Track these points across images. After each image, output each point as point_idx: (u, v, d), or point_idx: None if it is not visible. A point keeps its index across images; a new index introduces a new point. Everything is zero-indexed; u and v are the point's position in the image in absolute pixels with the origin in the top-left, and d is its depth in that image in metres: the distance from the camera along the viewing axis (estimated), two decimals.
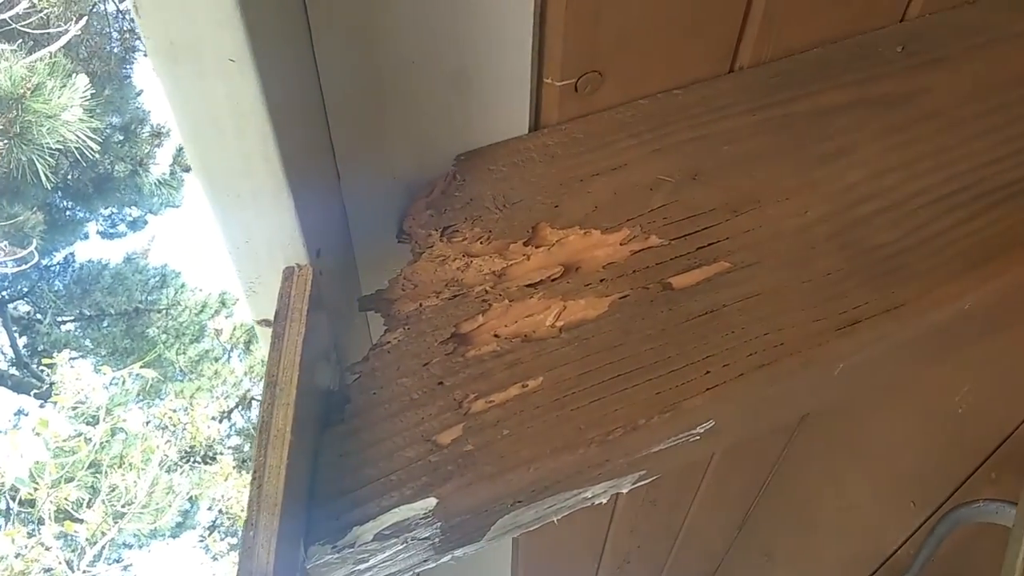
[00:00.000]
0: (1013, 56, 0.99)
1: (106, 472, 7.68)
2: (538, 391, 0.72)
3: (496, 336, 0.76)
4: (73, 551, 7.69)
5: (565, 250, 0.82)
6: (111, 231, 11.34)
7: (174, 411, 8.99)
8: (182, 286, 11.51)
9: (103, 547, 7.80)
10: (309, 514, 0.65)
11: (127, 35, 9.06)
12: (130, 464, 7.89)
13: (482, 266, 0.81)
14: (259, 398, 0.66)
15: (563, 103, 0.88)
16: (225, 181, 0.67)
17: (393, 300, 0.80)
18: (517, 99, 0.85)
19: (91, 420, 7.69)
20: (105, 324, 10.91)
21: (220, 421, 10.18)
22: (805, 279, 0.78)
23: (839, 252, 0.80)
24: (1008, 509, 1.25)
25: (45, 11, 7.73)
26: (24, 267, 9.08)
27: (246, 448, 10.08)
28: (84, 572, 7.63)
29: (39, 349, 10.43)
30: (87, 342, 10.83)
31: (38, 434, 6.70)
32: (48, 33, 7.68)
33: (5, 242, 8.79)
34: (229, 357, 11.28)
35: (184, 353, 10.78)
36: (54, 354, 8.47)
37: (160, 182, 9.88)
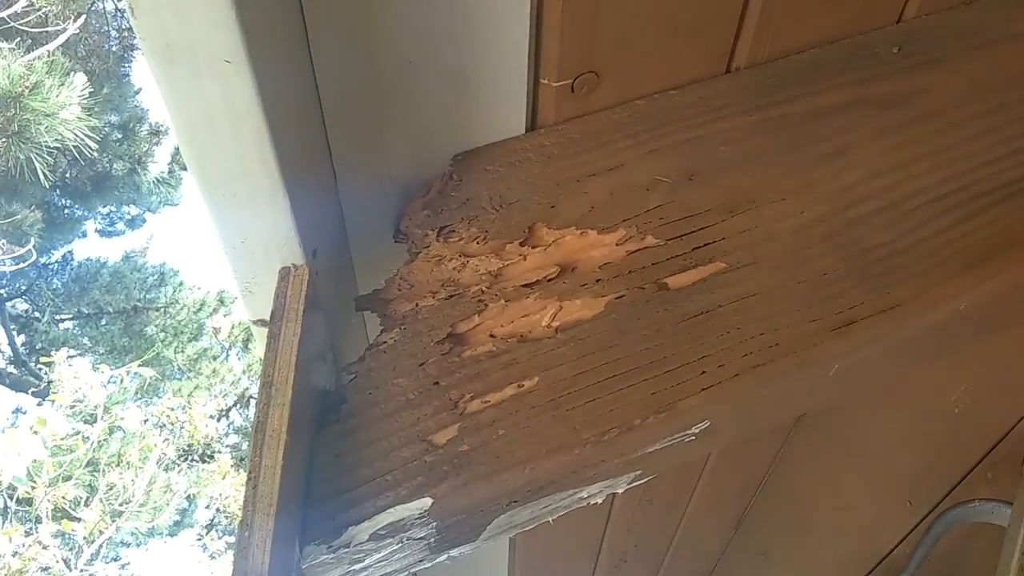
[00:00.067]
0: (1010, 57, 0.99)
1: (104, 470, 7.67)
2: (534, 391, 0.72)
3: (492, 336, 0.76)
4: (71, 549, 7.68)
5: (561, 250, 0.82)
6: (109, 229, 11.32)
7: (172, 409, 8.99)
8: (180, 284, 11.50)
9: (101, 545, 7.80)
10: (305, 514, 0.65)
11: (125, 33, 9.05)
12: (128, 462, 7.88)
13: (478, 266, 0.81)
14: (257, 396, 0.66)
15: (560, 103, 0.88)
16: (221, 181, 0.67)
17: (389, 300, 0.80)
18: (514, 99, 0.85)
19: (89, 418, 7.68)
20: (103, 322, 10.90)
21: (218, 419, 10.17)
22: (801, 279, 0.78)
23: (835, 252, 0.80)
24: (1004, 509, 1.25)
25: (43, 9, 7.71)
26: (22, 265, 9.07)
27: (244, 446, 10.07)
28: (82, 571, 7.63)
29: (37, 347, 10.42)
30: (85, 340, 10.82)
31: (36, 432, 6.70)
32: (46, 31, 7.67)
33: (3, 240, 8.78)
34: (227, 355, 11.27)
35: (182, 351, 10.77)
36: (52, 352, 8.46)
37: (158, 180, 9.87)
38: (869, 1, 0.98)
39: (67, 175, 9.31)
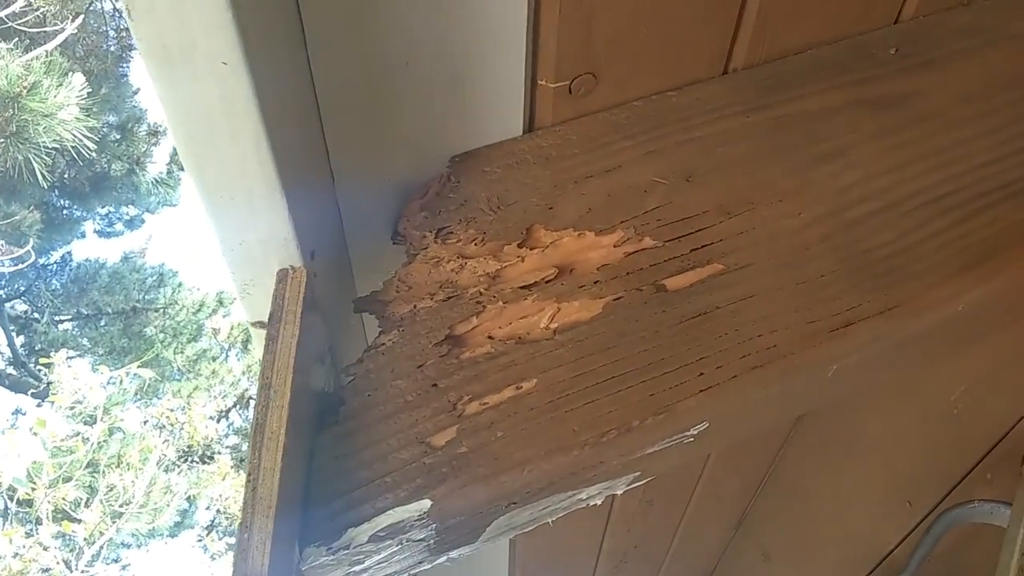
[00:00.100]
0: (1007, 58, 0.99)
1: (104, 472, 7.67)
2: (532, 393, 0.72)
3: (490, 338, 0.76)
4: (71, 551, 7.68)
5: (559, 252, 0.82)
6: (108, 230, 11.32)
7: (172, 410, 8.99)
8: (179, 285, 11.49)
9: (101, 547, 7.80)
10: (304, 516, 0.65)
11: (124, 33, 9.04)
12: (128, 464, 7.89)
13: (476, 268, 0.81)
14: (256, 397, 0.66)
15: (557, 105, 0.88)
16: (219, 183, 0.67)
17: (387, 302, 0.80)
18: (511, 101, 0.85)
19: (89, 420, 7.68)
20: (102, 323, 10.90)
21: (218, 420, 10.17)
22: (799, 281, 0.78)
23: (833, 254, 0.80)
24: (1003, 510, 1.25)
25: (41, 9, 7.71)
26: (21, 266, 9.07)
27: (244, 447, 10.06)
28: (82, 572, 7.63)
29: (36, 348, 10.42)
30: (84, 341, 10.82)
31: (35, 434, 6.70)
32: (44, 32, 7.66)
33: (2, 241, 8.78)
34: (227, 356, 11.27)
35: (182, 352, 10.77)
36: (51, 353, 8.45)
37: (157, 181, 9.87)
38: (866, 2, 0.98)
39: (65, 176, 9.31)
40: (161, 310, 11.04)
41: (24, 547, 7.13)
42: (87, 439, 7.44)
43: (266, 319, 0.69)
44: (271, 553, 0.57)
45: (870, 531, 1.75)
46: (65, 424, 7.39)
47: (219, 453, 9.58)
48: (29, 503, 7.10)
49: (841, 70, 0.96)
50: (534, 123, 0.90)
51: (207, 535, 10.32)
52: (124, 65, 9.36)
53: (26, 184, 7.07)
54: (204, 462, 9.32)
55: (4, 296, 10.31)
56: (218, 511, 9.98)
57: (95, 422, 7.56)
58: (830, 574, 1.94)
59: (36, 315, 10.84)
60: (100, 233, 11.30)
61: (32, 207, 8.82)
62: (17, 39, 7.03)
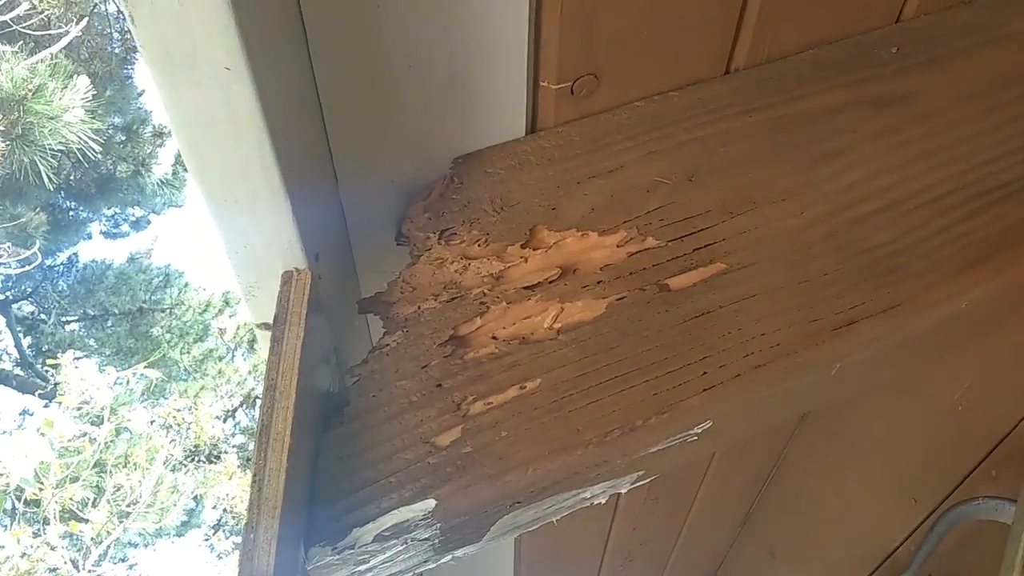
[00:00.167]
0: (1008, 56, 0.99)
1: (111, 472, 7.70)
2: (536, 393, 0.72)
3: (494, 338, 0.76)
4: (78, 550, 7.71)
5: (562, 252, 0.82)
6: (114, 231, 11.36)
7: (178, 410, 9.01)
8: (186, 285, 11.53)
9: (108, 546, 7.82)
10: (309, 516, 0.65)
11: (128, 36, 9.06)
12: (135, 464, 7.91)
13: (480, 268, 0.81)
14: (261, 397, 0.66)
15: (559, 106, 0.88)
16: (223, 187, 0.68)
17: (392, 303, 0.80)
18: (514, 102, 0.86)
19: (96, 420, 7.70)
20: (109, 324, 10.93)
21: (224, 420, 10.19)
22: (802, 280, 0.79)
23: (835, 252, 0.80)
24: (1008, 506, 1.25)
25: (46, 12, 7.73)
26: (28, 268, 9.10)
27: (250, 447, 10.07)
28: (89, 572, 7.65)
29: (43, 349, 10.45)
30: (91, 342, 10.86)
31: (43, 434, 6.72)
32: (49, 34, 7.68)
33: (8, 243, 8.81)
34: (233, 356, 11.29)
35: (188, 352, 10.80)
36: (58, 354, 8.48)
37: (162, 182, 9.90)
38: (867, 2, 0.99)
39: (71, 177, 9.34)
40: (167, 310, 11.07)
41: (31, 547, 7.15)
42: (94, 439, 7.47)
43: (271, 321, 0.70)
44: (277, 553, 0.57)
45: (875, 528, 1.76)
46: (72, 424, 7.41)
47: (226, 453, 9.60)
48: (36, 503, 7.13)
49: (842, 69, 0.97)
50: (536, 124, 0.90)
51: (214, 534, 10.35)
52: (129, 67, 9.38)
53: (32, 186, 7.09)
54: (211, 462, 9.34)
55: (11, 297, 10.35)
56: (225, 510, 10.00)
57: (102, 422, 7.58)
58: (835, 571, 1.94)
59: (43, 316, 10.88)
60: (106, 234, 11.34)
61: (38, 209, 8.86)
62: (22, 42, 7.05)
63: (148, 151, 9.67)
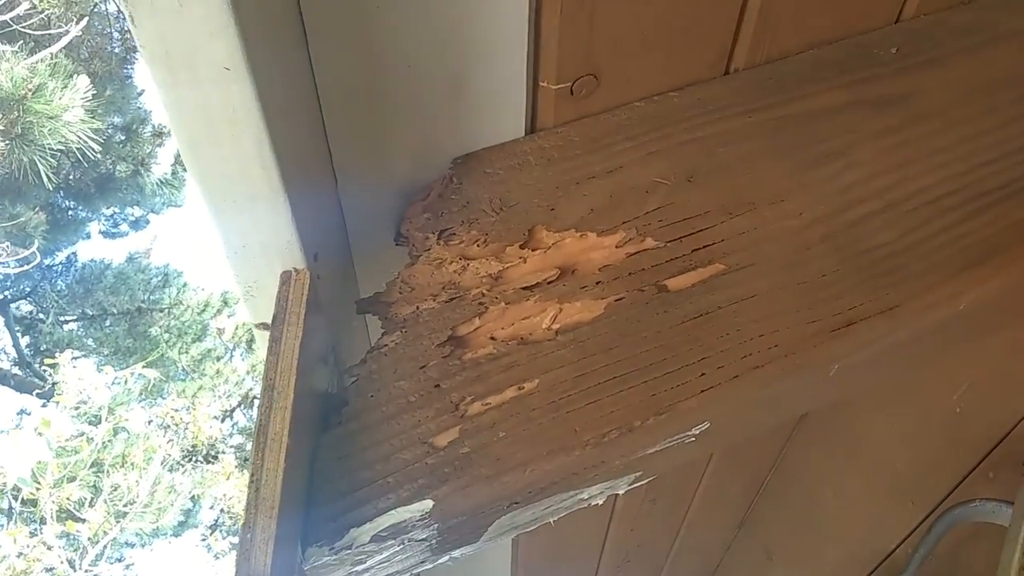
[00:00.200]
0: (1008, 57, 0.99)
1: (108, 471, 7.69)
2: (534, 393, 0.72)
3: (493, 339, 0.76)
4: (75, 550, 7.70)
5: (561, 253, 0.82)
6: (113, 231, 11.36)
7: (176, 410, 9.00)
8: (184, 285, 11.53)
9: (105, 546, 7.81)
10: (307, 516, 0.65)
11: (128, 35, 9.06)
12: (132, 463, 7.90)
13: (479, 269, 0.81)
14: (260, 397, 0.67)
15: (559, 106, 0.88)
16: (222, 187, 0.68)
17: (390, 303, 0.80)
18: (513, 102, 0.86)
19: (93, 420, 7.70)
20: (107, 324, 10.93)
21: (222, 420, 10.19)
22: (800, 281, 0.79)
23: (834, 254, 0.80)
24: (1005, 509, 1.25)
25: (46, 12, 7.73)
26: (26, 267, 9.10)
27: (248, 447, 10.07)
28: (86, 571, 7.65)
29: (42, 349, 10.45)
30: (89, 342, 10.85)
31: (40, 434, 6.71)
32: (49, 34, 7.68)
33: (7, 242, 8.80)
34: (231, 356, 11.29)
35: (186, 352, 10.79)
36: (56, 354, 8.47)
37: (162, 182, 9.89)
38: (867, 2, 0.99)
39: (71, 177, 9.34)
40: (166, 310, 11.07)
41: (28, 546, 7.15)
42: (92, 439, 7.46)
43: (270, 321, 0.70)
44: (274, 553, 0.57)
45: (872, 530, 1.76)
46: (70, 424, 7.41)
47: (223, 453, 9.60)
48: (33, 503, 7.12)
49: (842, 70, 0.97)
50: (536, 124, 0.90)
51: (211, 534, 10.34)
52: (128, 67, 9.38)
53: (31, 185, 7.09)
54: (208, 462, 9.34)
55: (10, 297, 10.35)
56: (222, 511, 10.00)
57: (100, 422, 7.58)
58: (833, 573, 1.95)
59: (41, 316, 10.88)
60: (105, 234, 11.34)
61: (37, 208, 8.85)
62: (22, 42, 7.05)
63: (147, 151, 9.67)
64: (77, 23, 7.96)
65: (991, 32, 1.02)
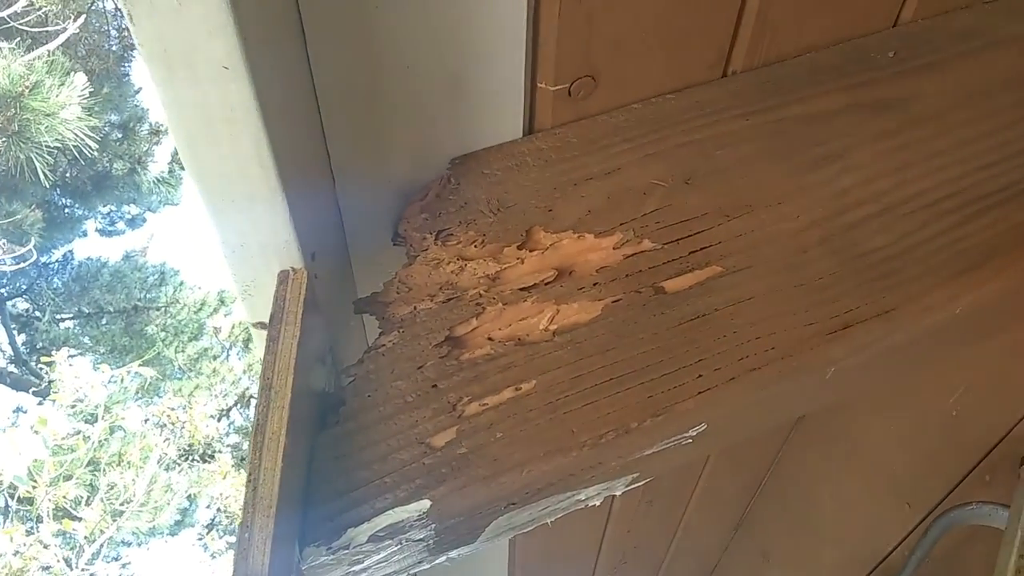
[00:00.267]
0: (1006, 60, 0.99)
1: (104, 470, 7.68)
2: (531, 394, 0.72)
3: (490, 339, 0.76)
4: (71, 549, 7.69)
5: (559, 254, 0.82)
6: (110, 229, 11.33)
7: (173, 409, 8.98)
8: (181, 284, 11.50)
9: (102, 545, 7.80)
10: (304, 515, 0.65)
11: (125, 33, 9.04)
12: (129, 462, 7.89)
13: (476, 269, 0.81)
14: (257, 397, 0.67)
15: (557, 107, 0.89)
16: (220, 186, 0.68)
17: (388, 303, 0.80)
18: (511, 103, 0.86)
19: (90, 418, 7.68)
20: (104, 322, 10.91)
21: (219, 419, 10.17)
22: (797, 283, 0.79)
23: (831, 257, 0.80)
24: (1001, 512, 1.25)
25: (43, 9, 7.72)
26: (23, 265, 9.08)
27: (245, 446, 10.06)
28: (82, 570, 7.63)
29: (38, 347, 10.43)
30: (86, 340, 10.83)
31: (36, 432, 6.70)
32: (46, 31, 7.67)
33: (4, 240, 8.79)
34: (228, 355, 11.27)
35: (183, 351, 10.78)
36: (53, 352, 8.46)
37: (159, 180, 9.87)
38: (865, 5, 0.99)
39: (67, 175, 9.32)
40: (162, 309, 11.05)
41: (25, 545, 7.14)
42: (88, 437, 7.45)
43: (267, 320, 0.70)
44: (271, 553, 0.57)
45: (869, 532, 1.76)
46: (66, 422, 7.39)
47: (220, 452, 9.58)
48: (30, 501, 7.10)
49: (840, 73, 0.97)
50: (534, 125, 0.90)
51: (207, 534, 10.33)
52: (126, 64, 9.36)
53: (28, 183, 7.08)
54: (205, 461, 9.32)
55: (6, 294, 10.32)
56: (218, 510, 9.98)
57: (96, 420, 7.57)
58: (829, 574, 1.95)
59: (38, 313, 10.85)
60: (102, 232, 11.32)
61: (34, 206, 8.83)
62: (19, 39, 7.04)
63: (144, 149, 9.65)
64: (74, 20, 7.95)
65: (989, 36, 1.02)
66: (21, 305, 10.94)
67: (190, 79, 0.59)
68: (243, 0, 0.55)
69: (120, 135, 9.43)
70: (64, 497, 7.12)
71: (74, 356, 10.10)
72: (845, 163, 0.88)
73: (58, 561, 7.36)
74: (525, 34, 0.79)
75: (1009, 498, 1.22)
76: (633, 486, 0.80)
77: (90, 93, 6.36)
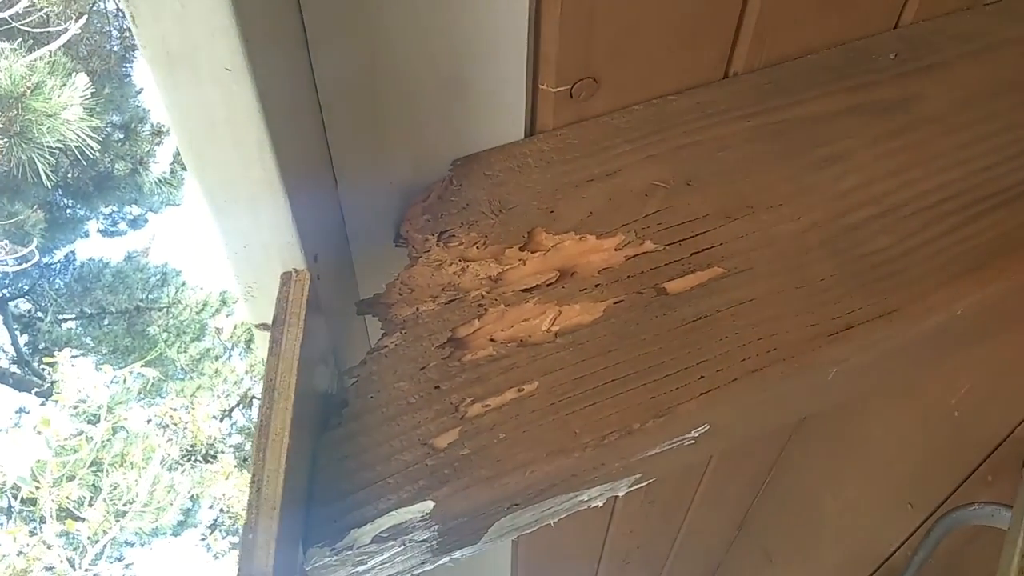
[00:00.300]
0: (1007, 62, 0.99)
1: (107, 471, 7.69)
2: (534, 395, 0.72)
3: (492, 340, 0.77)
4: (75, 549, 7.70)
5: (560, 255, 0.82)
6: (112, 229, 11.34)
7: (175, 410, 8.99)
8: (183, 284, 11.52)
9: (105, 545, 7.81)
10: (308, 516, 0.66)
11: (127, 33, 9.06)
12: (131, 463, 7.90)
13: (478, 271, 0.81)
14: (259, 398, 0.67)
15: (558, 109, 0.89)
16: (222, 187, 0.68)
17: (390, 304, 0.80)
18: (513, 105, 0.86)
19: (92, 419, 7.70)
20: (106, 322, 10.92)
21: (221, 419, 10.18)
22: (798, 285, 0.79)
23: (832, 258, 0.80)
24: (1004, 512, 1.25)
25: (45, 10, 7.73)
26: (25, 265, 9.09)
27: (247, 446, 10.07)
28: (86, 570, 7.64)
29: (40, 347, 10.44)
30: (88, 340, 10.84)
31: (39, 432, 6.72)
32: (48, 32, 7.68)
33: (6, 240, 8.80)
34: (230, 355, 11.28)
35: (185, 351, 10.79)
36: (55, 352, 8.47)
37: (160, 180, 9.88)
38: (866, 7, 0.99)
39: (69, 175, 9.33)
40: (164, 309, 11.06)
41: (28, 545, 7.15)
42: (91, 438, 7.46)
43: (270, 321, 0.70)
44: (275, 553, 0.57)
45: (871, 533, 1.76)
46: (69, 423, 7.41)
47: (222, 452, 9.59)
48: (33, 502, 7.12)
49: (841, 75, 0.97)
50: (535, 127, 0.90)
51: (210, 534, 10.33)
52: (127, 65, 9.37)
53: (30, 184, 7.09)
54: (207, 461, 9.33)
55: (8, 295, 10.34)
56: (221, 510, 9.99)
57: (99, 421, 7.58)
58: (832, 575, 1.95)
59: (40, 314, 10.87)
60: (104, 232, 11.33)
61: (36, 207, 8.85)
62: (21, 39, 7.05)
63: (146, 149, 9.66)
64: (76, 21, 7.96)
65: (990, 38, 1.02)
66: (23, 306, 10.96)
67: (192, 81, 0.59)
68: (246, 2, 0.55)
69: (122, 136, 9.44)
70: (67, 497, 7.13)
71: (76, 357, 10.08)
72: (846, 165, 0.88)
73: (61, 561, 7.37)
74: (527, 36, 0.79)
75: (1012, 498, 1.22)
76: (636, 487, 0.80)
77: (92, 94, 6.37)
